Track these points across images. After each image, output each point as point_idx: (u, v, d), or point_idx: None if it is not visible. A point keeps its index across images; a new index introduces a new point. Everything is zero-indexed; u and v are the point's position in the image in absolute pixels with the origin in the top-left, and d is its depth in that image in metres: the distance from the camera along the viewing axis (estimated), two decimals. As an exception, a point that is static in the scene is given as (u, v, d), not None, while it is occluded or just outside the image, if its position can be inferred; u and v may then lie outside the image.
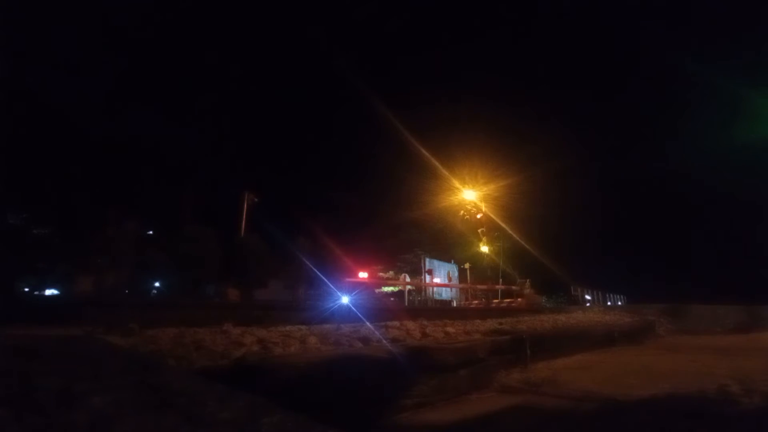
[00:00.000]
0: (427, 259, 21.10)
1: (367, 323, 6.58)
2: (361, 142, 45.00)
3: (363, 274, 20.20)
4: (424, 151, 24.21)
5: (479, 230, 23.55)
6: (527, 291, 20.45)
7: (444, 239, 28.74)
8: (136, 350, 3.48)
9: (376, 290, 26.59)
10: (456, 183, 23.93)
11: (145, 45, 24.74)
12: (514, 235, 26.19)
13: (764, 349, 9.62)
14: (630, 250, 45.17)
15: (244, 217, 16.10)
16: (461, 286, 22.32)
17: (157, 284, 11.03)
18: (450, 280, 22.19)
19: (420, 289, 20.49)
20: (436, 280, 20.88)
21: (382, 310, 9.50)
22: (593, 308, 20.46)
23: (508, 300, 20.50)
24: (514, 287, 21.45)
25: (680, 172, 39.28)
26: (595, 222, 42.68)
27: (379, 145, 41.03)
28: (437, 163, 24.11)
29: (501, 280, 23.44)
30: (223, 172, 27.51)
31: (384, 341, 5.21)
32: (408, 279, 20.05)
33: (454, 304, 20.93)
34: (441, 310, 14.12)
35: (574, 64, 49.01)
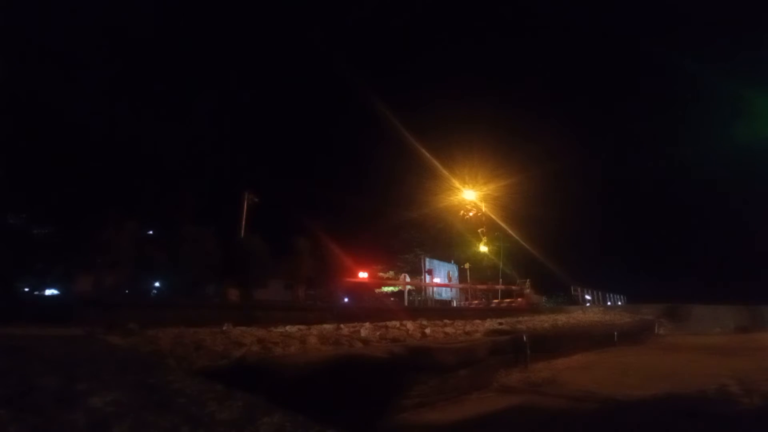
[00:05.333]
0: (427, 259, 21.10)
1: (367, 323, 6.58)
2: (362, 141, 44.92)
3: (363, 274, 20.18)
4: (424, 151, 24.23)
5: (479, 230, 23.57)
6: (527, 291, 20.47)
7: (444, 239, 28.73)
8: (136, 350, 3.48)
9: (376, 290, 26.61)
10: (456, 183, 23.96)
11: (145, 45, 24.73)
12: (514, 235, 26.20)
13: (764, 349, 9.62)
14: (630, 250, 45.20)
15: (244, 217, 16.10)
16: (461, 286, 22.32)
17: (157, 284, 11.02)
18: (450, 280, 22.19)
19: (420, 289, 20.49)
20: (436, 280, 20.89)
21: (382, 310, 9.50)
22: (593, 308, 20.47)
23: (508, 300, 20.51)
24: (514, 287, 21.47)
25: (680, 172, 39.30)
26: (595, 222, 42.67)
27: (379, 145, 41.01)
28: (437, 163, 24.14)
29: (501, 280, 23.45)
30: (223, 172, 27.49)
31: (384, 341, 5.21)
32: (408, 279, 20.05)
33: (454, 304, 20.92)
34: (441, 310, 14.12)
35: (574, 64, 49.00)
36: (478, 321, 9.00)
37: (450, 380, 4.96)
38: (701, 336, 14.02)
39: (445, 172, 24.01)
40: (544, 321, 10.69)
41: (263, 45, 39.98)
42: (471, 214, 23.76)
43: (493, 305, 18.72)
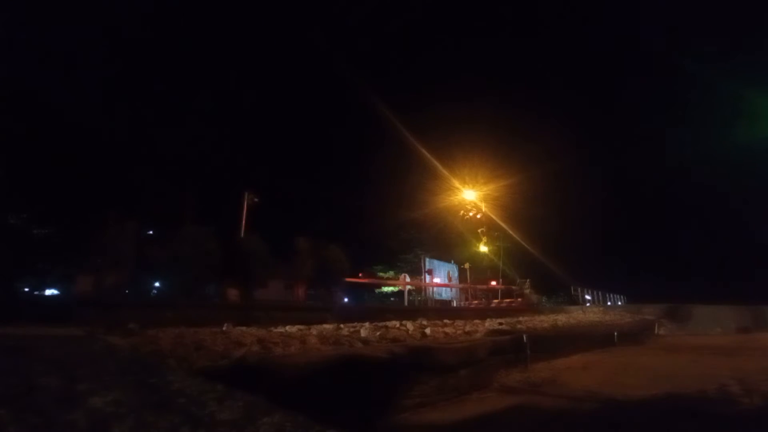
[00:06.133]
0: (427, 259, 21.08)
1: (367, 323, 6.58)
2: (362, 141, 44.94)
3: (363, 275, 20.18)
4: (424, 151, 24.22)
5: (479, 230, 23.56)
6: (527, 291, 20.47)
7: (444, 239, 28.72)
8: (136, 350, 3.48)
9: (376, 290, 26.61)
10: (456, 183, 23.94)
11: (145, 45, 24.74)
12: (514, 235, 26.20)
13: (764, 350, 9.62)
14: (630, 250, 45.19)
15: (244, 217, 16.10)
16: (461, 286, 22.32)
17: (157, 284, 11.03)
18: (450, 280, 22.18)
19: (420, 289, 20.48)
20: (436, 280, 20.88)
21: (382, 310, 9.50)
22: (593, 308, 20.46)
23: (508, 300, 20.52)
24: (514, 287, 21.47)
25: (680, 172, 39.30)
26: (595, 222, 42.64)
27: (379, 145, 41.00)
28: (437, 163, 24.12)
29: (501, 280, 23.44)
30: (223, 172, 27.49)
31: (384, 341, 5.20)
32: (408, 279, 20.04)
33: (454, 304, 20.92)
34: (441, 310, 14.12)
35: (574, 64, 49.00)
36: (478, 321, 9.00)
37: (450, 380, 4.96)
38: (701, 336, 14.02)
39: (445, 172, 24.01)
40: (544, 321, 10.69)
41: (264, 45, 39.98)
42: (471, 214, 23.70)
43: (493, 305, 18.73)
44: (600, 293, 27.92)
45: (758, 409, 4.30)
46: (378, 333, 5.61)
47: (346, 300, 16.24)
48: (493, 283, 23.08)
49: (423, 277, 19.98)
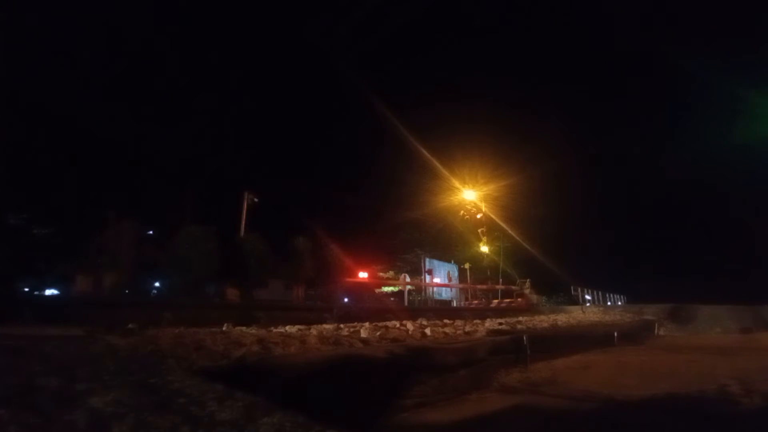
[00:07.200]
0: (427, 259, 21.10)
1: (367, 323, 6.59)
2: (362, 142, 44.97)
3: (363, 274, 20.18)
4: (424, 151, 24.21)
5: (479, 230, 23.56)
6: (527, 291, 20.47)
7: (444, 239, 28.72)
8: (136, 350, 3.48)
9: (376, 290, 26.62)
10: (456, 183, 23.94)
11: (146, 44, 24.73)
12: (514, 235, 26.18)
13: (764, 350, 9.61)
14: (630, 250, 45.16)
15: (244, 217, 16.09)
16: (461, 286, 22.32)
17: (157, 284, 11.05)
18: (450, 280, 22.19)
19: (420, 289, 20.49)
20: (436, 280, 20.89)
21: (382, 310, 9.51)
22: (593, 308, 20.45)
23: (508, 300, 20.51)
24: (514, 287, 21.47)
25: (680, 172, 39.29)
26: (595, 221, 42.62)
27: (379, 145, 41.01)
28: (437, 163, 24.12)
29: (501, 280, 23.44)
30: (223, 172, 27.50)
31: (384, 341, 5.20)
32: (408, 279, 20.05)
33: (454, 304, 20.93)
34: (441, 310, 14.13)
35: (574, 64, 48.96)
36: (478, 321, 9.00)
37: (450, 380, 4.96)
38: (701, 336, 14.02)
39: (445, 172, 24.01)
40: (543, 321, 10.70)
41: (264, 45, 40.00)
42: (478, 216, 23.65)
43: (493, 305, 18.73)
44: (600, 293, 27.90)
45: (758, 409, 4.30)
46: (378, 333, 5.61)
47: (345, 300, 16.24)
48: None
49: (423, 277, 19.98)
